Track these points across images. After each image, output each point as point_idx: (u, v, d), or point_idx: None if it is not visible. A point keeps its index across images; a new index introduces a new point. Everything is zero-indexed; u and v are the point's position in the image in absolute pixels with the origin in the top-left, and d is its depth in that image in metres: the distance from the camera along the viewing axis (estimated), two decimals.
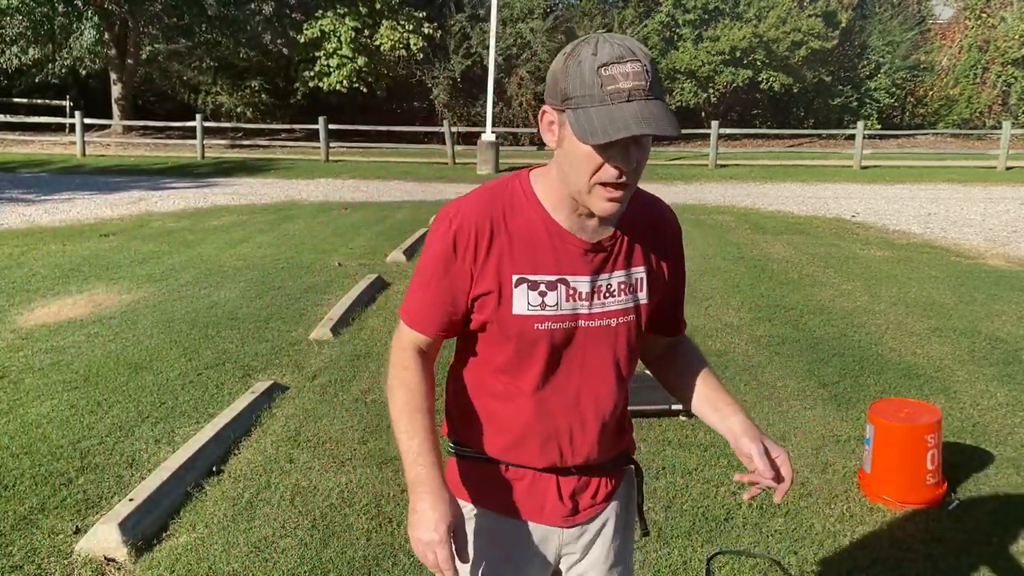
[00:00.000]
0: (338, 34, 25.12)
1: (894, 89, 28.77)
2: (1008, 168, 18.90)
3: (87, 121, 21.28)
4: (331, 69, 25.45)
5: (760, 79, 26.57)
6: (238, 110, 27.48)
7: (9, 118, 23.03)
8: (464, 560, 1.42)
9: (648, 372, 1.72)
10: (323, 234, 9.75)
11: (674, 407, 4.13)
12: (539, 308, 1.41)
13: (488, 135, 18.98)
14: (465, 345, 1.51)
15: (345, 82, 25.37)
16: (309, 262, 7.98)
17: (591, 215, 1.39)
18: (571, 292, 1.42)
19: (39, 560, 2.89)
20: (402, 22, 25.48)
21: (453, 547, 1.39)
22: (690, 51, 26.64)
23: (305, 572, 2.84)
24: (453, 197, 1.45)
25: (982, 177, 17.66)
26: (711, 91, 27.09)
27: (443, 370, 1.61)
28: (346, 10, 25.15)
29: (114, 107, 25.51)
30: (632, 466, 1.65)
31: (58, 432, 3.92)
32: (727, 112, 28.22)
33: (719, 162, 20.11)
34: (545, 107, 1.35)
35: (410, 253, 8.42)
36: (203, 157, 20.61)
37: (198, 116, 21.17)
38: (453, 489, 1.47)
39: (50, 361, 4.95)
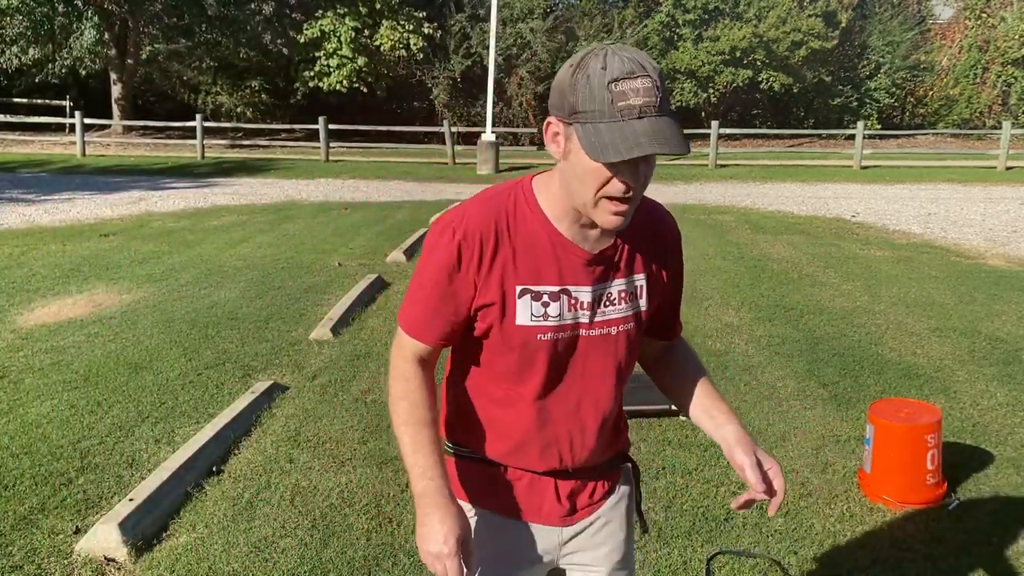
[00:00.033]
0: (338, 34, 25.12)
1: (894, 89, 28.77)
2: (1008, 168, 18.90)
3: (87, 121, 21.28)
4: (331, 69, 25.45)
5: (760, 79, 26.57)
6: (238, 110, 27.48)
7: (9, 118, 23.03)
8: (472, 571, 1.43)
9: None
10: (323, 234, 9.75)
11: (674, 407, 4.12)
12: (542, 319, 1.41)
13: (488, 135, 18.98)
14: (465, 351, 1.50)
15: (345, 82, 25.37)
16: (309, 262, 7.98)
17: (594, 225, 1.39)
18: (573, 302, 1.43)
19: (39, 560, 2.89)
20: (402, 22, 25.48)
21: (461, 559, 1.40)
22: (690, 51, 26.64)
23: (305, 572, 2.84)
24: (453, 197, 1.45)
25: (982, 177, 17.66)
26: (711, 91, 27.09)
27: (440, 370, 1.61)
28: (346, 10, 25.15)
29: (114, 107, 25.51)
30: (629, 464, 1.66)
31: (58, 432, 3.92)
32: (727, 112, 28.22)
33: (719, 162, 20.11)
34: (550, 118, 1.33)
35: (410, 253, 8.42)
36: (203, 157, 20.61)
37: (198, 116, 21.17)
38: (452, 488, 1.47)
39: (50, 361, 4.95)
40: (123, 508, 3.05)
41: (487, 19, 21.10)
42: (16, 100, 26.63)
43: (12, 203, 12.37)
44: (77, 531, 3.06)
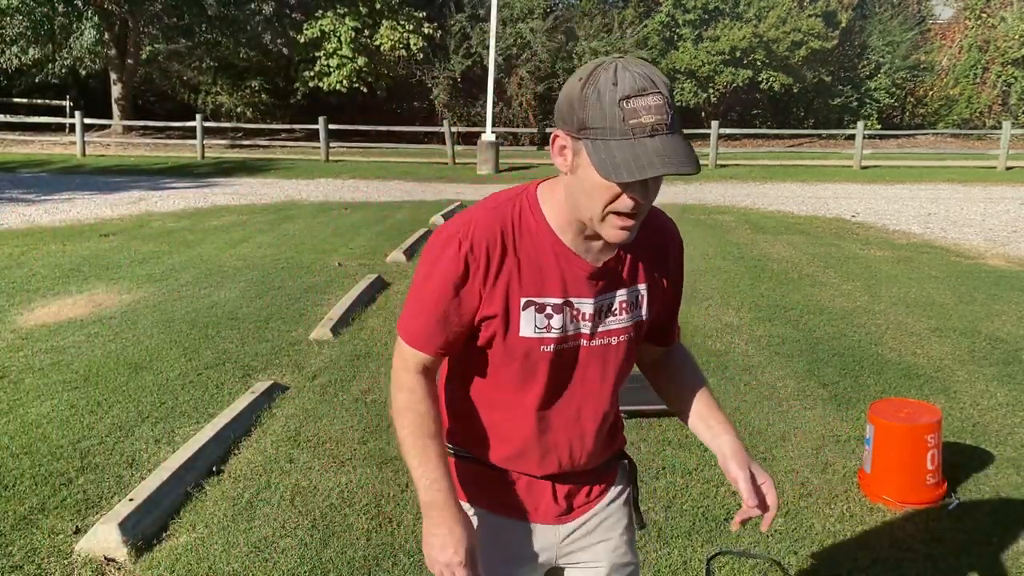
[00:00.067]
0: (338, 34, 25.13)
1: (894, 89, 28.78)
2: (1008, 168, 18.90)
3: (87, 121, 21.29)
4: (331, 69, 25.45)
5: (760, 79, 26.58)
6: (238, 110, 27.48)
7: (9, 118, 23.04)
8: None
9: None
10: (323, 234, 9.76)
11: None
12: (545, 331, 1.42)
13: (488, 135, 18.98)
14: (465, 358, 1.50)
15: (345, 82, 25.37)
16: (309, 262, 7.98)
17: (598, 237, 1.38)
18: (576, 313, 1.43)
19: (39, 560, 2.89)
20: (402, 22, 25.48)
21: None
22: (690, 51, 26.64)
23: (305, 572, 2.84)
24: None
25: (982, 177, 17.66)
26: (711, 91, 27.09)
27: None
28: (346, 10, 25.15)
29: (114, 107, 25.51)
30: (626, 461, 1.67)
31: (58, 432, 3.92)
32: (727, 112, 28.22)
33: (719, 162, 20.12)
34: (557, 132, 1.31)
35: (410, 253, 8.42)
36: (203, 157, 20.61)
37: (198, 116, 21.17)
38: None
39: (50, 361, 4.95)
40: (123, 508, 3.05)
41: (487, 19, 21.10)
42: (16, 100, 26.63)
43: (12, 203, 12.37)
44: (77, 531, 3.06)
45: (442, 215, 11.14)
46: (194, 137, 20.94)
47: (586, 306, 1.43)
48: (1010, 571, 2.90)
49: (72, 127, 21.54)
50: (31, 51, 24.00)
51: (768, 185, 16.39)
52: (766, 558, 2.94)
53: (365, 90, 26.09)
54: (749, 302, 6.55)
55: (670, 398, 1.65)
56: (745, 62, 26.19)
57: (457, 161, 20.51)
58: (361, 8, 25.19)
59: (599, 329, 1.45)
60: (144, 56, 26.67)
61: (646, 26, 27.45)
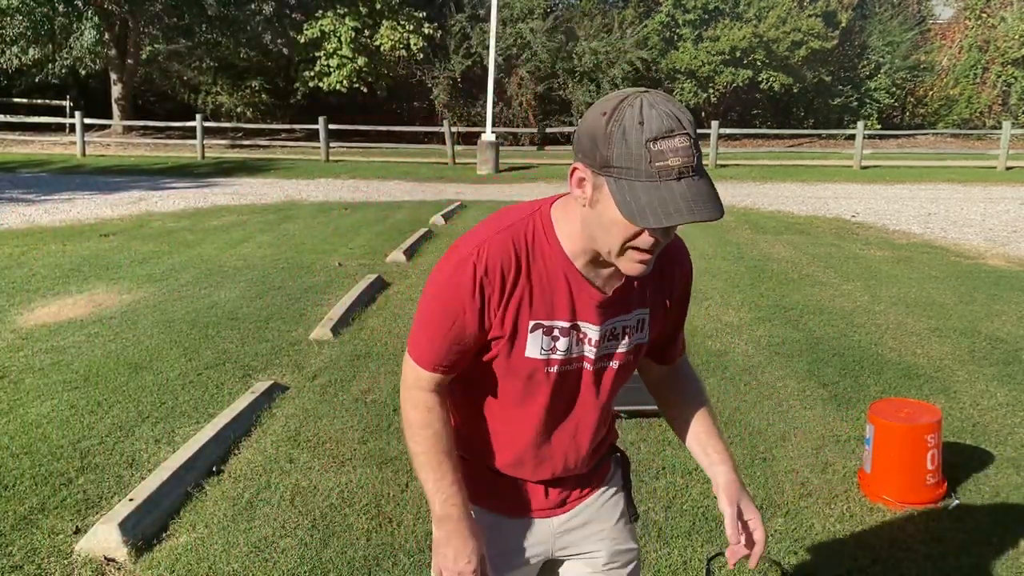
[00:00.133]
0: (338, 34, 25.12)
1: (894, 89, 28.78)
2: (1008, 168, 18.90)
3: (87, 121, 21.29)
4: (331, 69, 25.45)
5: (760, 79, 26.58)
6: (238, 110, 27.48)
7: (9, 118, 23.04)
8: None
9: None
10: (323, 234, 9.76)
11: None
12: (550, 352, 1.43)
13: (488, 135, 18.98)
14: (470, 369, 1.50)
15: (345, 82, 25.37)
16: (309, 262, 7.98)
17: (611, 265, 1.37)
18: (581, 336, 1.44)
19: (39, 560, 2.89)
20: (402, 22, 25.48)
21: None
22: (690, 51, 26.64)
23: (305, 572, 2.84)
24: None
25: (982, 177, 17.67)
26: (711, 91, 27.09)
27: None
28: (346, 10, 25.15)
29: (114, 107, 25.51)
30: (618, 454, 1.70)
31: (58, 432, 3.92)
32: (727, 112, 28.22)
33: (719, 162, 20.12)
34: (577, 164, 1.29)
35: (410, 253, 8.42)
36: (203, 157, 20.62)
37: (198, 116, 21.18)
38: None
39: (50, 361, 4.95)
40: (123, 508, 3.05)
41: (487, 19, 21.10)
42: (16, 100, 26.63)
43: (12, 203, 12.37)
44: (77, 531, 3.06)
45: (442, 215, 11.14)
46: (194, 137, 20.95)
47: (592, 331, 1.44)
48: (1010, 571, 2.90)
49: (72, 127, 21.54)
50: (31, 51, 24.00)
51: (768, 185, 16.39)
52: (765, 559, 2.94)
53: (365, 90, 26.08)
54: (749, 302, 6.55)
55: (673, 423, 1.67)
56: (745, 62, 26.19)
57: (457, 161, 20.51)
58: (361, 8, 25.19)
59: (602, 352, 1.47)
60: (144, 56, 26.67)
61: (646, 26, 27.44)
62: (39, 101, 26.63)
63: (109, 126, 25.10)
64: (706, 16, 26.81)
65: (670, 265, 1.50)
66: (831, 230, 10.49)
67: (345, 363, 4.97)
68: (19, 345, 5.27)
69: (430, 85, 27.28)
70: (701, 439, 1.59)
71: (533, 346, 1.41)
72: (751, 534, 1.49)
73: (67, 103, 26.22)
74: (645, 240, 1.28)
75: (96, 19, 23.19)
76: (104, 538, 2.91)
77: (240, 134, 25.43)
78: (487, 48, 20.29)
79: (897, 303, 6.58)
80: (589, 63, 26.03)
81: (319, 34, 25.18)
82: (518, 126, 26.18)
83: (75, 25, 23.49)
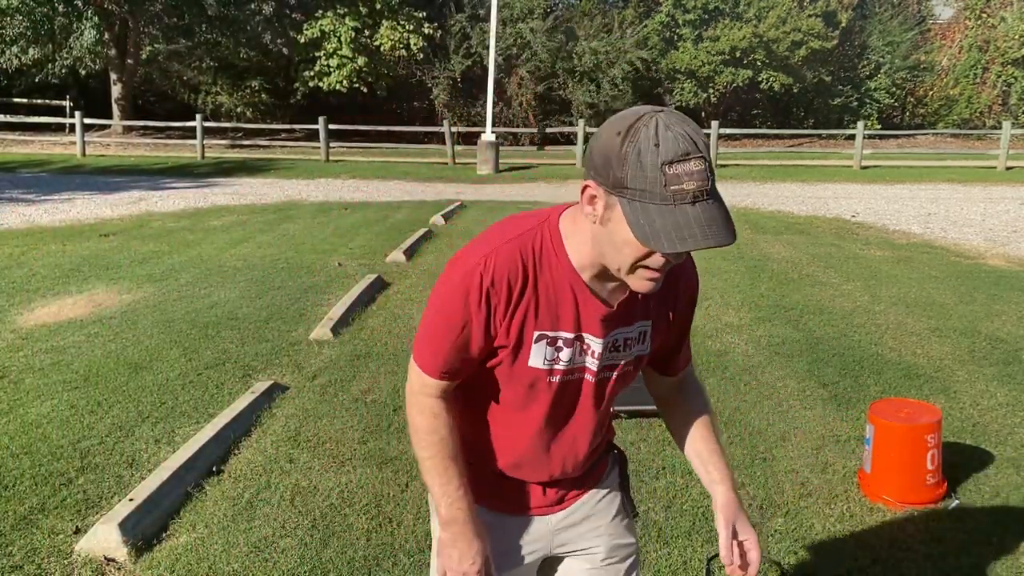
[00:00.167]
0: (338, 34, 25.12)
1: (894, 89, 28.78)
2: (1008, 168, 18.91)
3: (87, 121, 21.29)
4: (331, 69, 25.44)
5: (760, 79, 26.58)
6: (238, 110, 27.47)
7: (9, 118, 23.04)
8: None
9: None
10: (323, 234, 9.76)
11: None
12: (553, 362, 1.44)
13: (488, 135, 18.98)
14: (473, 374, 1.50)
15: (345, 82, 25.37)
16: (309, 262, 7.98)
17: (617, 279, 1.37)
18: (585, 348, 1.45)
19: (39, 560, 2.89)
20: (402, 22, 25.48)
21: None
22: (690, 51, 26.64)
23: (305, 572, 2.84)
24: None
25: (982, 177, 17.67)
26: (711, 91, 27.09)
27: None
28: (346, 10, 25.14)
29: (114, 107, 25.51)
30: (615, 451, 1.71)
31: (58, 432, 3.92)
32: (727, 112, 28.22)
33: (719, 162, 20.11)
34: (590, 182, 1.27)
35: (410, 253, 8.42)
36: (203, 157, 20.62)
37: (198, 116, 21.18)
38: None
39: (50, 361, 4.95)
40: (123, 508, 3.05)
41: (487, 19, 21.10)
42: (16, 100, 26.63)
43: (12, 203, 12.37)
44: (77, 531, 3.06)
45: (442, 215, 11.14)
46: (194, 137, 20.95)
47: (596, 344, 1.44)
48: (1010, 571, 2.90)
49: (72, 127, 21.54)
50: (31, 51, 23.99)
51: (768, 185, 16.39)
52: (765, 559, 2.94)
53: (365, 90, 26.08)
54: (749, 302, 6.55)
55: (677, 438, 1.67)
56: (745, 62, 26.19)
57: (457, 161, 20.51)
58: (361, 8, 25.18)
59: (604, 363, 1.47)
60: (144, 56, 26.67)
61: (646, 26, 27.45)
62: (39, 101, 26.63)
63: (109, 126, 25.10)
64: (706, 16, 26.81)
65: (675, 278, 1.49)
66: (831, 230, 10.50)
67: (345, 363, 4.97)
68: (19, 345, 5.27)
69: (430, 85, 27.28)
70: (703, 456, 1.60)
71: (537, 356, 1.42)
72: (746, 554, 1.50)
73: (67, 103, 26.22)
74: (656, 260, 1.28)
75: (96, 19, 23.19)
76: (104, 538, 2.91)
77: (240, 134, 25.42)
78: (487, 48, 20.29)
79: (897, 303, 6.58)
80: (589, 63, 26.03)
81: (319, 34, 25.18)
82: (518, 126, 26.18)
83: (75, 25, 23.49)
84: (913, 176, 17.78)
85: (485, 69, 21.49)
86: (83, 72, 25.69)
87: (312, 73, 25.74)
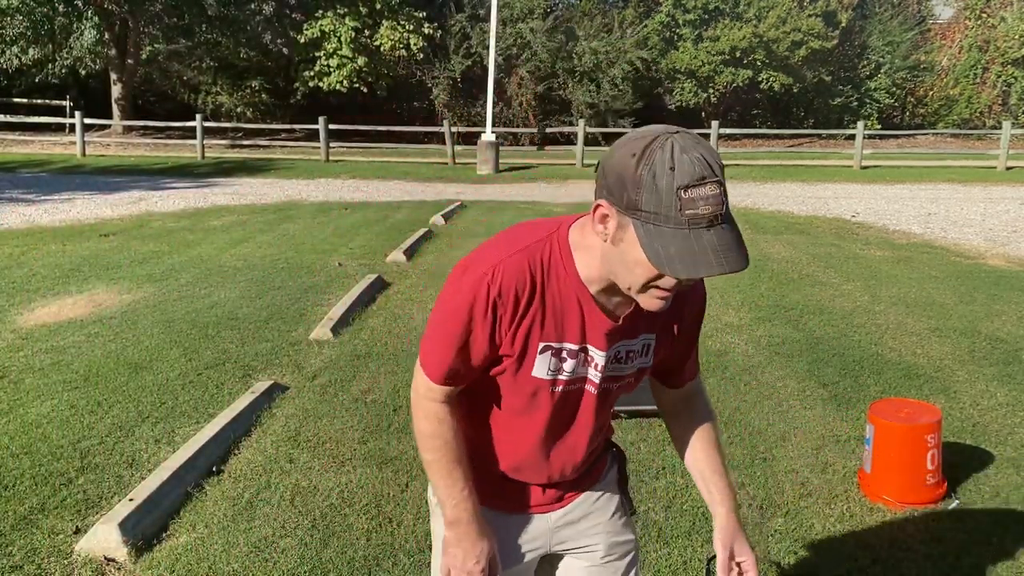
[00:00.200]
0: (338, 34, 25.12)
1: (894, 89, 28.78)
2: (1008, 168, 18.91)
3: (87, 121, 21.29)
4: (331, 69, 25.45)
5: (760, 79, 26.58)
6: (238, 110, 27.47)
7: (9, 118, 23.04)
8: None
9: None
10: (323, 234, 9.76)
11: None
12: (556, 373, 1.44)
13: (488, 135, 18.99)
14: (475, 382, 1.51)
15: (345, 82, 25.37)
16: (309, 262, 7.98)
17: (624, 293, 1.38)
18: (588, 359, 1.45)
19: (39, 560, 2.89)
20: (402, 22, 25.48)
21: None
22: (690, 51, 26.64)
23: (305, 572, 2.84)
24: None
25: (982, 177, 17.67)
26: (711, 91, 27.09)
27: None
28: (346, 10, 25.15)
29: (114, 107, 25.51)
30: (614, 449, 1.72)
31: (58, 432, 3.92)
32: (727, 112, 28.22)
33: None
34: (602, 202, 1.27)
35: (410, 253, 8.42)
36: (203, 157, 20.62)
37: (198, 116, 21.18)
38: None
39: (50, 361, 4.95)
40: (123, 508, 3.05)
41: (487, 19, 21.10)
42: (16, 100, 26.63)
43: (12, 203, 12.37)
44: (77, 531, 3.06)
45: (442, 215, 11.14)
46: (194, 137, 20.95)
47: (599, 356, 1.45)
48: (1010, 571, 2.90)
49: (72, 127, 21.54)
50: (31, 51, 24.00)
51: (768, 185, 16.39)
52: (765, 560, 2.94)
53: (365, 90, 26.08)
54: (749, 302, 6.55)
55: (678, 445, 1.68)
56: (745, 62, 26.19)
57: (457, 161, 20.51)
58: (361, 8, 25.19)
59: (606, 374, 1.48)
60: (144, 56, 26.67)
61: (646, 26, 27.45)
62: (39, 101, 26.64)
63: (109, 126, 25.10)
64: (706, 16, 26.82)
65: (682, 293, 1.48)
66: (831, 230, 10.50)
67: (345, 363, 4.97)
68: (19, 345, 5.27)
69: (430, 85, 27.28)
70: (705, 475, 1.61)
71: (541, 366, 1.43)
72: (743, 575, 1.53)
73: (67, 103, 26.23)
74: (668, 281, 1.28)
75: (96, 19, 23.19)
76: (104, 538, 2.91)
77: (240, 134, 25.43)
78: (487, 48, 20.29)
79: (897, 303, 6.58)
80: (589, 63, 26.03)
81: (319, 34, 25.18)
82: (518, 126, 26.18)
83: (75, 25, 23.50)
84: (913, 176, 17.78)
85: (485, 69, 21.49)
86: (83, 72, 25.70)
87: (312, 73, 25.75)
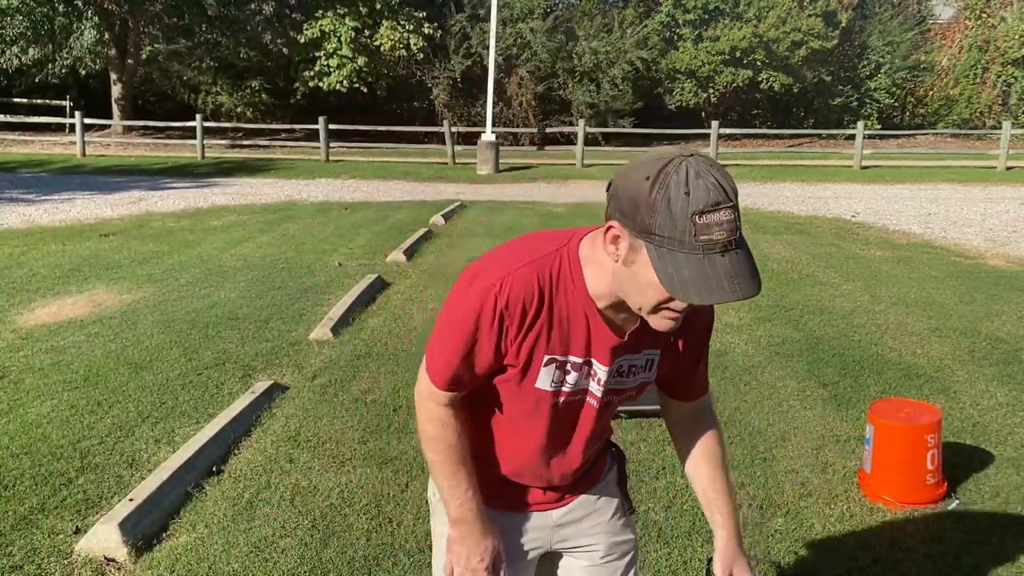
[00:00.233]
0: (338, 34, 25.12)
1: (894, 89, 28.77)
2: (1008, 168, 18.91)
3: (87, 121, 21.29)
4: (331, 69, 25.45)
5: (760, 79, 26.57)
6: (238, 110, 27.47)
7: (9, 118, 23.04)
8: None
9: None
10: (323, 234, 9.76)
11: None
12: (560, 384, 1.45)
13: (488, 135, 18.98)
14: (479, 389, 1.51)
15: (345, 82, 25.37)
16: (309, 262, 7.98)
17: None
18: (591, 373, 1.46)
19: (39, 560, 2.89)
20: (402, 22, 25.48)
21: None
22: (690, 51, 26.64)
23: (305, 572, 2.84)
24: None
25: (982, 177, 17.67)
26: (711, 91, 27.09)
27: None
28: (346, 10, 25.15)
29: (114, 107, 25.51)
30: (613, 449, 1.73)
31: (58, 432, 3.92)
32: (727, 112, 28.22)
33: (719, 162, 20.07)
34: (614, 223, 1.27)
35: (410, 253, 8.42)
36: (203, 157, 20.62)
37: (198, 116, 21.17)
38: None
39: (50, 361, 4.95)
40: (123, 508, 3.05)
41: (487, 19, 21.10)
42: (16, 100, 26.63)
43: (12, 203, 12.37)
44: (77, 531, 3.06)
45: (442, 215, 11.15)
46: (194, 137, 20.95)
47: (602, 371, 1.46)
48: (1010, 571, 2.90)
49: (72, 127, 21.54)
50: (31, 51, 24.00)
51: (768, 185, 16.39)
52: (765, 560, 2.94)
53: (365, 90, 26.08)
54: (749, 302, 6.55)
55: (683, 461, 1.68)
56: (745, 62, 26.19)
57: (457, 161, 20.51)
58: (361, 8, 25.18)
59: (608, 387, 1.49)
60: (144, 56, 26.67)
61: (646, 26, 27.45)
62: (39, 101, 26.64)
63: (109, 126, 25.10)
64: (706, 16, 26.81)
65: (692, 315, 1.47)
66: (831, 230, 10.50)
67: (345, 363, 4.97)
68: (19, 345, 5.27)
69: (430, 85, 27.28)
70: (709, 496, 1.61)
71: (544, 378, 1.43)
72: None
73: (67, 103, 26.22)
74: (679, 304, 1.28)
75: (96, 19, 23.19)
76: (104, 538, 2.91)
77: (240, 134, 25.43)
78: (487, 48, 20.29)
79: (897, 303, 6.58)
80: (589, 63, 26.03)
81: (319, 34, 25.18)
82: (518, 126, 26.18)
83: (75, 25, 23.49)
84: (913, 176, 17.78)
85: (485, 69, 21.49)
86: (83, 72, 25.70)
87: (312, 73, 25.74)
